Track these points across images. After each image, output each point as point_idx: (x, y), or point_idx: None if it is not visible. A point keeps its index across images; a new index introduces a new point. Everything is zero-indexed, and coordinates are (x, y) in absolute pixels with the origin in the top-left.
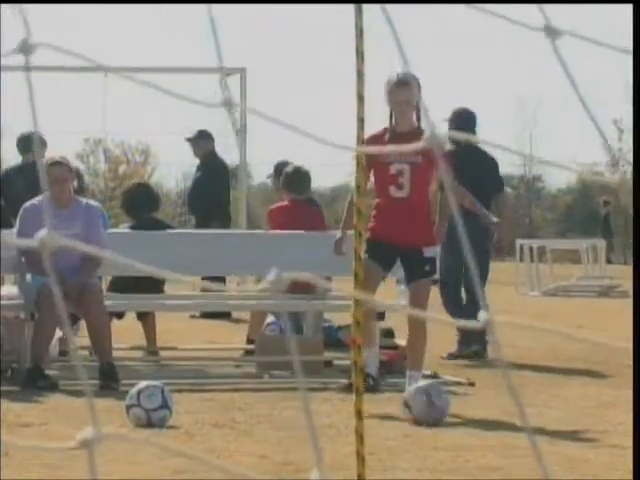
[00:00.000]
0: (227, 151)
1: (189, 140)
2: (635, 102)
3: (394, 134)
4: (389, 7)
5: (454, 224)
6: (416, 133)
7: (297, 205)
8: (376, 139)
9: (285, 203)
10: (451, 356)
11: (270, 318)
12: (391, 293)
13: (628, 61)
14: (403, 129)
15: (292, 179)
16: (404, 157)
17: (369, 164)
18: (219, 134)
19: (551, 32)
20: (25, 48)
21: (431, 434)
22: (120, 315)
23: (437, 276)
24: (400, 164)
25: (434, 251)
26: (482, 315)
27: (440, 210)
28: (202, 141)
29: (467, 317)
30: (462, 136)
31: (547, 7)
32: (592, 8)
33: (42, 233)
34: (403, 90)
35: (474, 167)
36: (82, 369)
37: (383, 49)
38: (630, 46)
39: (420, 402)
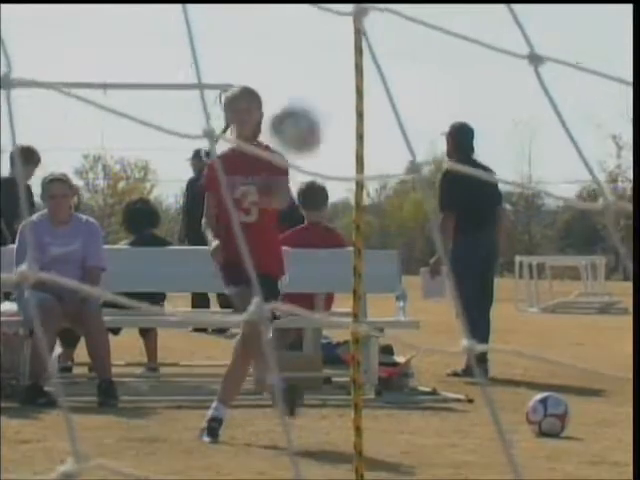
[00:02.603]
0: None
1: (189, 160)
2: (635, 105)
3: (235, 150)
4: (390, 24)
5: (459, 247)
6: (259, 148)
7: (314, 228)
8: (221, 159)
9: (303, 226)
10: (455, 374)
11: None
12: (390, 310)
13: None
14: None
15: (306, 195)
16: (249, 178)
17: (216, 191)
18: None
19: (534, 59)
20: (6, 83)
21: (430, 451)
22: (116, 331)
23: None
24: (245, 186)
25: (283, 283)
26: (464, 342)
27: (444, 233)
28: (196, 159)
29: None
30: (461, 167)
31: (535, 33)
32: (593, 31)
33: (22, 267)
34: (245, 98)
35: (474, 181)
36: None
37: (382, 66)
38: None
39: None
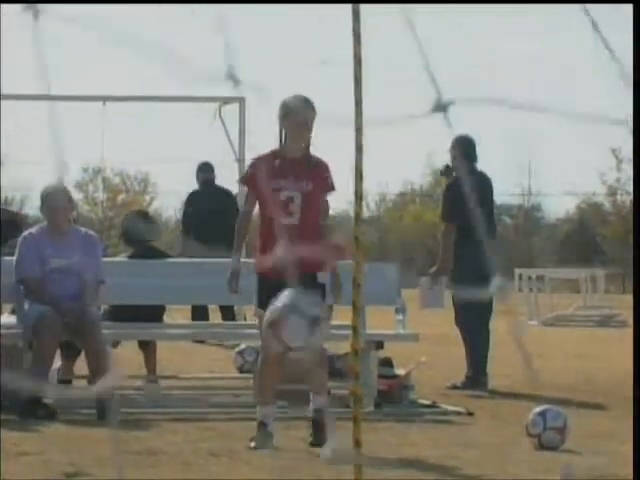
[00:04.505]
0: (226, 179)
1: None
2: (635, 112)
3: (282, 158)
4: (391, 36)
5: (463, 257)
6: (308, 159)
7: None
8: (265, 161)
9: None
10: (454, 387)
11: None
12: (389, 322)
13: (628, 87)
14: (294, 154)
15: None
16: (294, 184)
17: (257, 189)
18: (217, 162)
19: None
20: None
21: (431, 463)
22: (115, 344)
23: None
24: (290, 191)
25: (323, 278)
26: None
27: (445, 243)
28: (200, 172)
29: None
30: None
31: (535, 33)
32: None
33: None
34: (307, 110)
35: (478, 191)
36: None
37: (381, 77)
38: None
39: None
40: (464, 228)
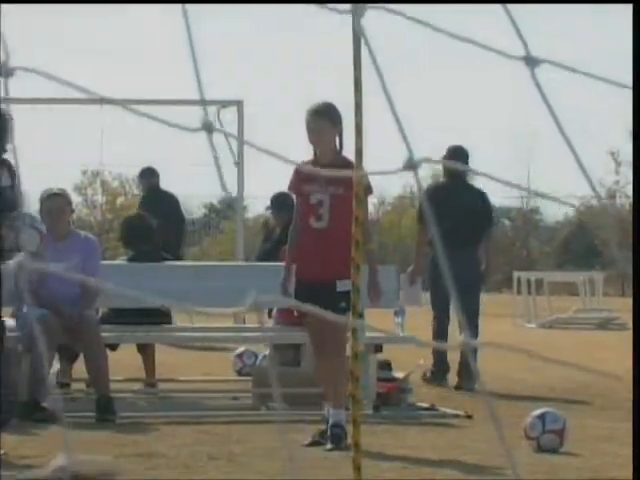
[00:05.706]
0: (225, 184)
1: (137, 178)
2: (635, 114)
3: (316, 165)
4: (388, 43)
5: (433, 264)
6: (337, 164)
7: None
8: (302, 167)
9: None
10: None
11: (266, 350)
12: (389, 325)
13: (627, 90)
14: (324, 160)
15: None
16: (325, 187)
17: (295, 193)
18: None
19: (530, 62)
20: (5, 72)
21: (429, 467)
22: (114, 347)
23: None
24: (320, 194)
25: (348, 285)
26: (463, 338)
27: (417, 244)
28: (143, 178)
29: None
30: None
31: (532, 38)
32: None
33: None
34: (316, 120)
35: (453, 201)
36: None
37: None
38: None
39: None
40: (438, 234)
